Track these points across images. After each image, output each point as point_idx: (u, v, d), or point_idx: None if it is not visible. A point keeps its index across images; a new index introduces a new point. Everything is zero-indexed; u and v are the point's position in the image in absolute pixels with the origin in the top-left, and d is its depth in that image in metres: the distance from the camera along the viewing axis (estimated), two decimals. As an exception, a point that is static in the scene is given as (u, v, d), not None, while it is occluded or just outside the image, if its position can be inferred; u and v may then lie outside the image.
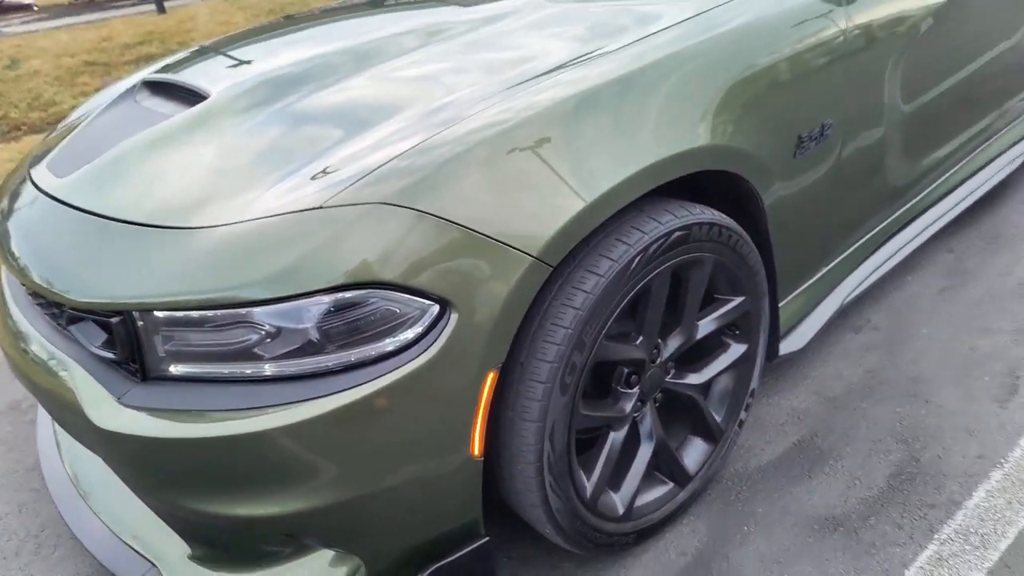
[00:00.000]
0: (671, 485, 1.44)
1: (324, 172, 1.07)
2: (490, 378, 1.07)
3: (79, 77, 8.09)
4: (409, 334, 1.02)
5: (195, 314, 1.02)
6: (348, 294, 0.99)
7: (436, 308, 1.01)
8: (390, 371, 1.01)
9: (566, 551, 1.42)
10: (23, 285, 1.35)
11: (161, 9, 11.64)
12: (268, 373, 1.03)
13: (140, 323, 1.05)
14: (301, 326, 1.00)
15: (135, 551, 1.32)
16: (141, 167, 1.23)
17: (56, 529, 1.66)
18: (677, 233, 1.20)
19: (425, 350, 1.01)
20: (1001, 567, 1.31)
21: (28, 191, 1.40)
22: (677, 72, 1.24)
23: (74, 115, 1.89)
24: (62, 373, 1.17)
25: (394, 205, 1.00)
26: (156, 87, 1.60)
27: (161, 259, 1.05)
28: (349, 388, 1.00)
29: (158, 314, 1.04)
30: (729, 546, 1.42)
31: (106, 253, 1.11)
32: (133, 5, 20.41)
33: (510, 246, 1.03)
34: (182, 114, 1.34)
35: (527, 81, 1.20)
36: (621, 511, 1.34)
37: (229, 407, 1.03)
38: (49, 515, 1.70)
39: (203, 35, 9.35)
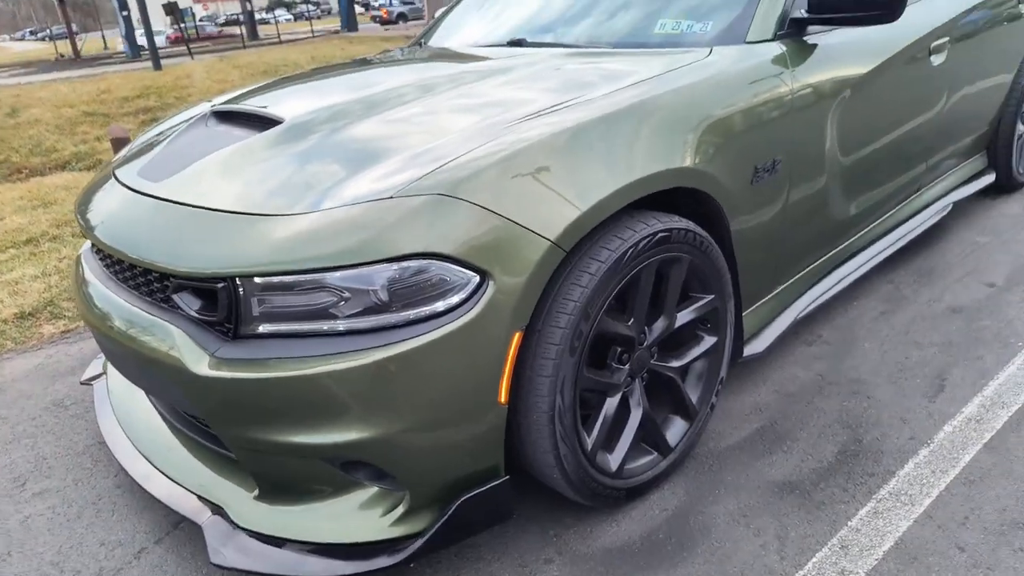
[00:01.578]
0: (655, 454, 1.72)
1: (390, 173, 1.38)
2: (516, 338, 1.36)
3: (79, 126, 8.39)
4: (455, 298, 1.30)
5: (289, 278, 1.30)
6: (411, 263, 1.28)
7: (477, 278, 1.31)
8: (439, 327, 1.29)
9: (564, 509, 1.68)
10: (117, 268, 1.62)
11: (157, 66, 12.15)
12: (341, 328, 1.31)
13: (240, 289, 1.32)
14: (371, 288, 1.28)
15: (202, 498, 1.55)
16: (235, 171, 1.53)
17: (112, 498, 1.87)
18: (661, 234, 1.51)
19: (468, 311, 1.30)
20: (925, 518, 1.60)
21: (124, 193, 1.68)
22: (658, 111, 1.58)
23: (137, 141, 2.19)
24: (160, 337, 1.43)
25: (449, 196, 1.30)
26: (224, 116, 1.91)
27: (260, 238, 1.33)
28: (406, 340, 1.28)
29: (257, 280, 1.31)
30: (703, 504, 1.69)
31: (213, 236, 1.38)
32: (121, 62, 20.97)
33: (535, 232, 1.33)
34: (265, 132, 1.64)
35: (539, 114, 1.53)
36: (614, 468, 1.61)
37: (308, 355, 1.30)
38: (104, 487, 1.91)
39: (200, 91, 9.77)
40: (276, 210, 1.37)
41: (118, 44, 28.93)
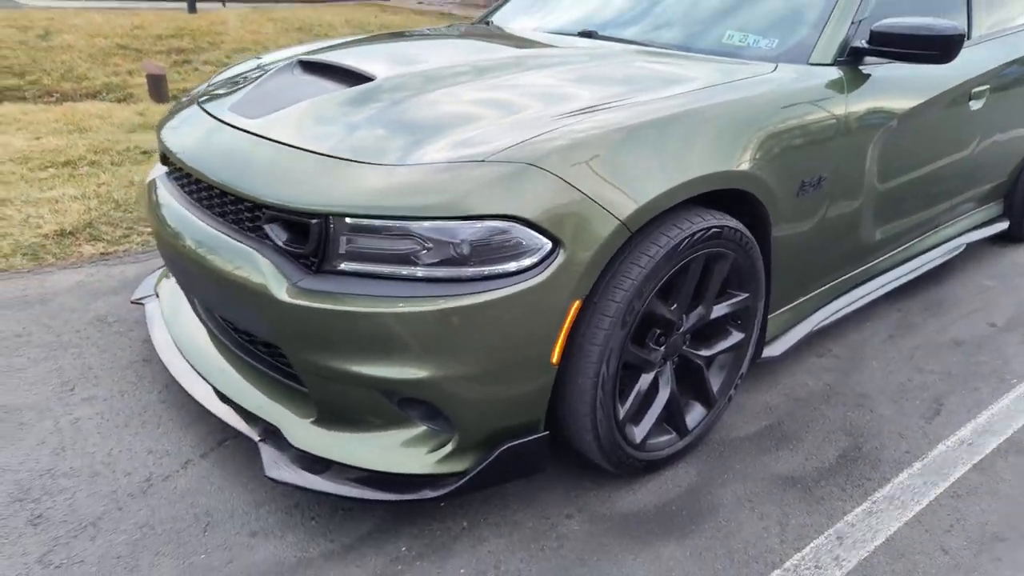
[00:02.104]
0: (673, 434, 1.85)
1: (480, 139, 1.49)
2: (575, 305, 1.48)
3: (111, 58, 8.41)
4: (527, 261, 1.42)
5: (378, 222, 1.41)
6: (495, 223, 1.39)
7: (550, 245, 1.42)
8: (509, 286, 1.41)
9: (586, 473, 1.81)
10: (204, 195, 1.72)
11: (192, 8, 12.11)
12: (419, 275, 1.42)
13: (332, 227, 1.43)
14: (454, 241, 1.40)
15: (256, 418, 1.67)
16: (331, 119, 1.64)
17: (157, 412, 1.98)
18: (714, 229, 1.64)
19: (537, 275, 1.42)
20: (914, 521, 1.74)
21: (216, 125, 1.78)
22: (725, 116, 1.69)
23: (216, 79, 2.29)
24: (245, 263, 1.54)
25: (536, 166, 1.41)
26: (310, 66, 2.01)
27: (356, 183, 1.44)
28: (478, 293, 1.40)
29: (348, 221, 1.42)
30: (713, 486, 1.82)
31: (311, 175, 1.49)
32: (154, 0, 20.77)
33: (607, 210, 1.45)
34: (360, 86, 1.75)
35: (619, 104, 1.64)
36: (638, 440, 1.73)
37: (383, 295, 1.41)
38: (148, 401, 2.02)
39: (233, 39, 9.79)
40: (372, 158, 1.48)
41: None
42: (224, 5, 17.17)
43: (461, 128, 1.55)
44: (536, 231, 1.41)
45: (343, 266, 1.46)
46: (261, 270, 1.50)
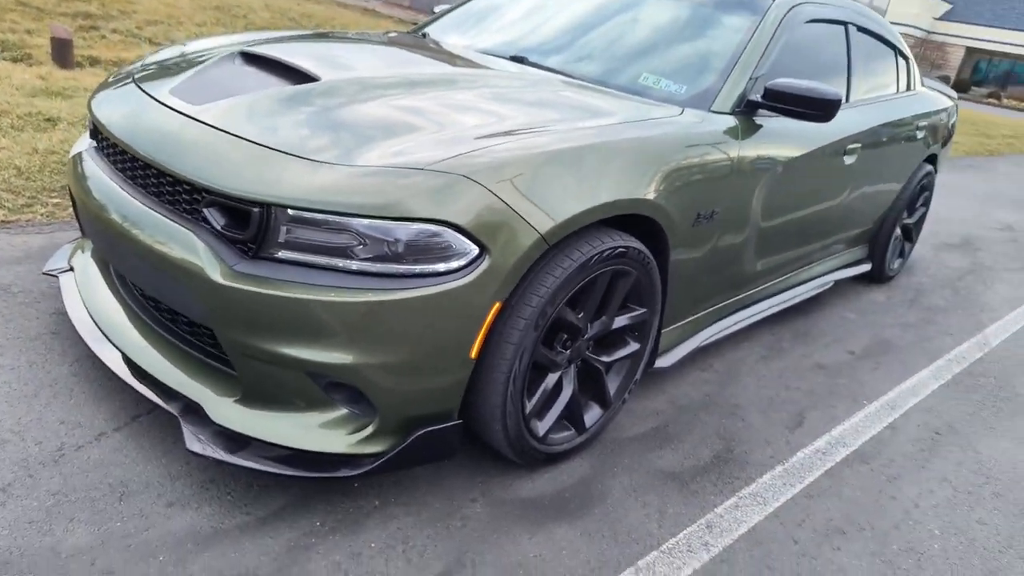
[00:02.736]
0: (572, 431, 2.03)
1: (421, 147, 1.62)
2: (496, 306, 1.63)
3: (8, 14, 7.89)
4: (456, 264, 1.56)
5: (320, 216, 1.51)
6: (430, 227, 1.53)
7: (477, 251, 1.57)
8: (437, 284, 1.54)
9: (490, 463, 1.97)
10: (139, 174, 1.76)
11: (101, -28, 11.47)
12: (354, 268, 1.54)
13: (274, 216, 1.53)
14: (389, 239, 1.52)
15: (181, 395, 1.72)
16: (277, 114, 1.72)
17: (68, 384, 1.97)
18: (620, 249, 1.84)
19: (463, 277, 1.56)
20: (772, 516, 2.00)
21: (157, 107, 1.82)
22: (640, 148, 1.91)
23: (152, 59, 2.29)
24: (181, 244, 1.60)
25: (471, 179, 1.56)
26: (251, 58, 2.08)
27: (301, 177, 1.54)
28: (408, 289, 1.53)
29: (290, 212, 1.52)
30: (603, 477, 2.02)
31: (256, 165, 1.57)
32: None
33: (530, 224, 1.62)
34: (306, 85, 1.83)
35: (546, 128, 1.81)
36: (541, 434, 1.91)
37: (316, 283, 1.51)
38: (59, 374, 2.01)
39: (146, 10, 9.37)
40: (317, 155, 1.58)
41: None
42: (135, -29, 16.30)
43: (403, 137, 1.68)
44: (466, 237, 1.56)
45: (281, 254, 1.55)
46: (197, 252, 1.57)
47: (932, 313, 3.79)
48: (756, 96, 2.30)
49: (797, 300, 3.14)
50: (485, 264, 1.58)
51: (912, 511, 2.13)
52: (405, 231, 1.52)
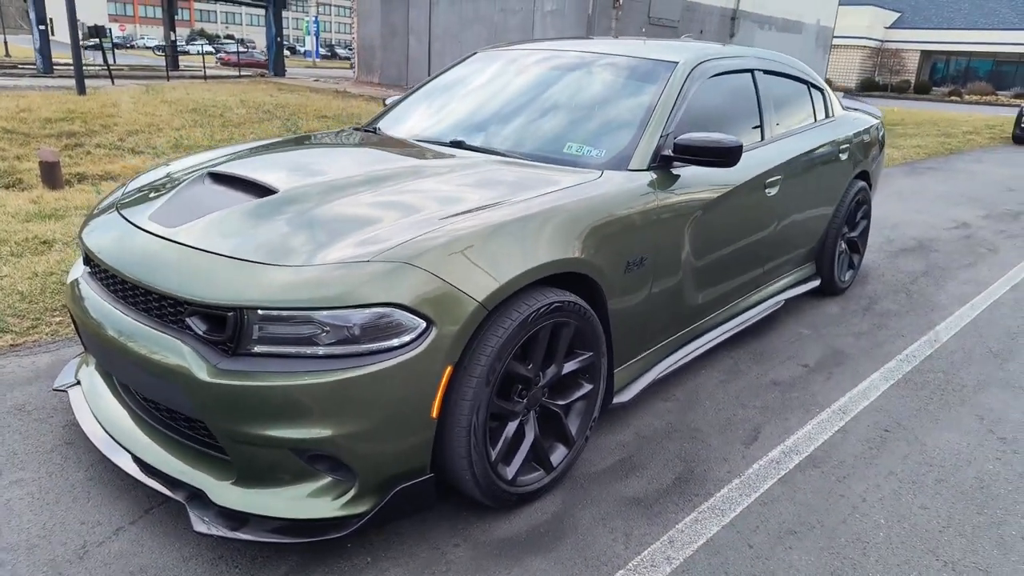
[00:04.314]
0: (541, 471, 2.25)
1: (365, 242, 1.90)
2: (448, 369, 1.88)
3: (-3, 143, 8.30)
4: (407, 337, 1.82)
5: (285, 313, 1.78)
6: (379, 309, 1.79)
7: (424, 324, 1.83)
8: (393, 358, 1.80)
9: (469, 510, 2.18)
10: (129, 293, 2.03)
11: (82, 89, 12.03)
12: (320, 353, 1.79)
13: (246, 318, 1.79)
14: (347, 325, 1.78)
15: (185, 483, 1.95)
16: (241, 227, 2.00)
17: (85, 488, 2.20)
18: (556, 304, 2.10)
19: (415, 348, 1.81)
20: (729, 525, 2.20)
21: (137, 233, 2.10)
22: (560, 215, 2.18)
23: (132, 187, 2.59)
24: (169, 350, 1.85)
25: (411, 264, 1.83)
26: (218, 177, 2.37)
27: (265, 281, 1.81)
28: (369, 365, 1.78)
29: (260, 312, 1.78)
30: (574, 510, 2.23)
31: (226, 275, 1.84)
32: (32, 76, 20.20)
33: (467, 295, 1.88)
34: (265, 199, 2.12)
35: (476, 209, 2.10)
36: (510, 477, 2.13)
37: (290, 371, 1.76)
38: (76, 479, 2.24)
39: (126, 121, 9.85)
40: (277, 261, 1.86)
41: (27, 51, 27.74)
42: (113, 83, 17.06)
43: (351, 232, 1.95)
44: (412, 314, 1.82)
45: (256, 349, 1.80)
46: (184, 356, 1.83)
47: (885, 318, 4.04)
48: (668, 151, 2.60)
49: (749, 323, 3.38)
50: (433, 335, 1.83)
51: (859, 505, 2.34)
52: (359, 316, 1.78)
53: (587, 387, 2.36)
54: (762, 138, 3.29)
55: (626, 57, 3.07)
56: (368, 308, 1.78)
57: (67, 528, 2.02)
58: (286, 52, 29.63)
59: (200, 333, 1.85)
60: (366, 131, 3.33)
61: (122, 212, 2.31)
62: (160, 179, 2.57)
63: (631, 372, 2.67)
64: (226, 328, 1.80)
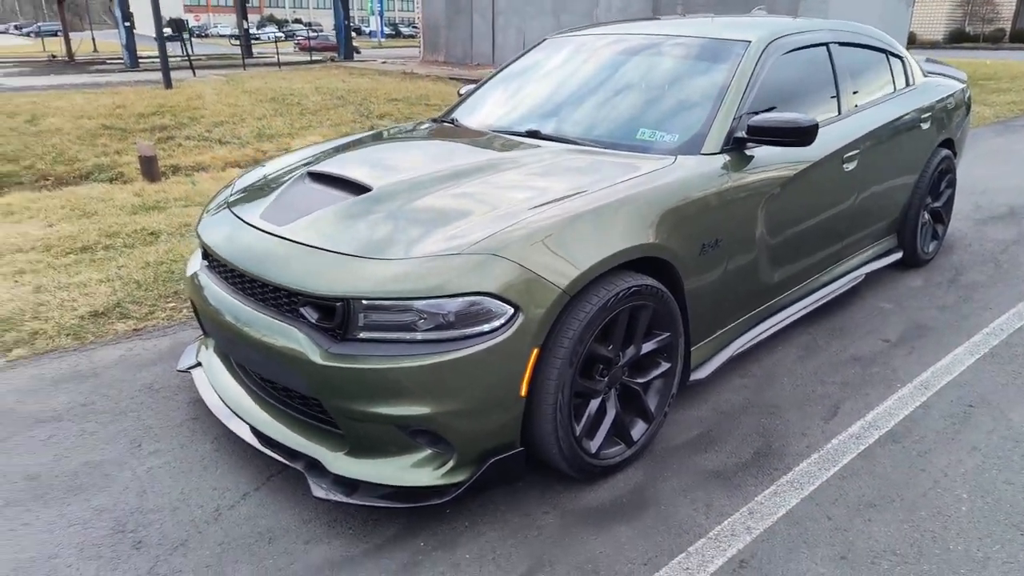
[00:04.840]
0: (622, 445, 2.38)
1: (457, 235, 2.05)
2: (535, 352, 2.03)
3: (98, 138, 8.95)
4: (497, 323, 1.97)
5: (387, 302, 1.95)
6: (471, 298, 1.94)
7: (511, 310, 1.97)
8: (485, 342, 1.95)
9: (556, 480, 2.33)
10: (247, 286, 2.25)
11: (168, 84, 12.72)
12: (419, 338, 1.96)
13: (352, 307, 1.97)
14: (442, 312, 1.94)
15: (302, 454, 2.18)
16: (344, 223, 2.19)
17: (213, 458, 2.47)
18: (635, 288, 2.20)
19: (504, 332, 1.96)
20: (808, 498, 2.28)
21: (250, 231, 2.32)
22: (639, 202, 2.28)
23: (239, 185, 2.83)
24: (287, 336, 2.06)
25: (498, 256, 1.97)
26: (317, 176, 2.57)
27: (369, 274, 1.99)
28: (462, 349, 1.94)
29: (364, 302, 1.97)
30: (656, 482, 2.36)
31: (334, 269, 2.03)
32: (120, 71, 21.36)
33: (551, 282, 2.01)
34: (361, 196, 2.31)
35: (558, 199, 2.21)
36: (594, 451, 2.27)
37: (393, 354, 1.94)
38: (204, 451, 2.51)
39: (212, 113, 10.36)
40: (377, 255, 2.03)
41: (112, 46, 29.26)
42: (194, 74, 17.87)
43: (443, 226, 2.11)
44: (501, 301, 1.96)
45: (361, 335, 1.99)
46: (299, 341, 2.04)
47: (971, 290, 3.94)
48: (742, 133, 2.63)
49: (828, 299, 3.39)
50: (520, 320, 1.98)
51: (941, 480, 2.37)
52: (454, 304, 1.94)
53: (665, 366, 2.46)
54: (839, 112, 3.25)
55: (696, 38, 3.09)
56: (461, 297, 1.94)
57: (201, 493, 2.29)
58: (352, 33, 30.33)
59: (313, 321, 2.05)
60: (444, 123, 3.47)
61: (233, 210, 2.54)
62: (261, 179, 2.80)
63: (708, 350, 2.75)
64: (335, 316, 2.00)
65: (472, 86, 3.86)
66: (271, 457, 2.23)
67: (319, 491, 2.06)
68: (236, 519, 2.17)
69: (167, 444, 2.55)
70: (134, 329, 3.53)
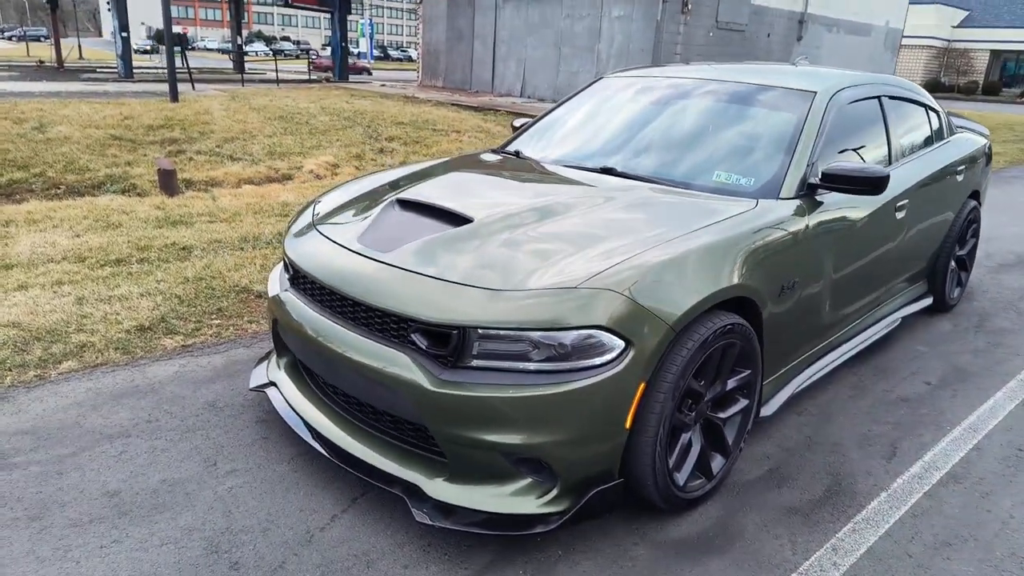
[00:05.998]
0: (703, 479, 2.43)
1: (567, 269, 2.10)
2: (642, 386, 2.07)
3: (108, 149, 8.88)
4: (609, 356, 2.01)
5: (502, 332, 1.99)
6: (586, 331, 1.99)
7: (623, 344, 2.02)
8: (597, 375, 1.99)
9: (642, 512, 2.36)
10: (347, 309, 2.27)
11: (175, 97, 12.67)
12: (531, 368, 2.00)
13: (467, 336, 2.01)
14: (556, 344, 1.98)
15: (400, 478, 2.18)
16: (451, 253, 2.23)
17: (293, 479, 2.46)
18: (728, 326, 2.27)
19: (616, 366, 2.01)
20: (886, 535, 2.34)
21: (351, 256, 2.35)
22: (729, 246, 2.35)
23: (325, 205, 2.86)
24: (395, 363, 2.09)
25: (613, 291, 2.03)
26: (406, 203, 2.61)
27: (485, 303, 2.02)
28: (574, 381, 1.98)
29: (480, 331, 2.00)
30: (736, 516, 2.40)
31: (449, 298, 2.06)
32: (114, 80, 21.20)
33: (660, 318, 2.07)
34: (467, 226, 2.35)
35: (662, 241, 2.27)
36: (681, 483, 2.31)
37: (505, 383, 1.98)
38: (282, 471, 2.50)
39: (221, 128, 10.34)
40: (491, 285, 2.07)
41: (97, 53, 29.02)
42: (194, 87, 17.81)
43: (556, 259, 2.16)
44: (614, 335, 2.01)
45: (474, 363, 2.02)
46: (410, 367, 2.06)
47: (999, 336, 4.08)
48: (814, 179, 2.74)
49: (871, 340, 3.49)
50: (632, 354, 2.02)
51: (1009, 521, 2.44)
52: (568, 337, 1.98)
53: (743, 402, 2.52)
54: (890, 162, 3.39)
55: (761, 85, 3.21)
56: (577, 330, 1.98)
57: (288, 515, 2.28)
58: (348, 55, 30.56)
59: (423, 348, 2.08)
60: (506, 154, 3.53)
61: (323, 232, 2.57)
62: (345, 202, 2.83)
63: (772, 386, 2.82)
64: (449, 344, 2.03)
65: (526, 120, 3.95)
66: (353, 478, 2.23)
67: (421, 516, 2.07)
68: (330, 541, 2.16)
69: (243, 464, 2.54)
70: (183, 345, 3.51)
